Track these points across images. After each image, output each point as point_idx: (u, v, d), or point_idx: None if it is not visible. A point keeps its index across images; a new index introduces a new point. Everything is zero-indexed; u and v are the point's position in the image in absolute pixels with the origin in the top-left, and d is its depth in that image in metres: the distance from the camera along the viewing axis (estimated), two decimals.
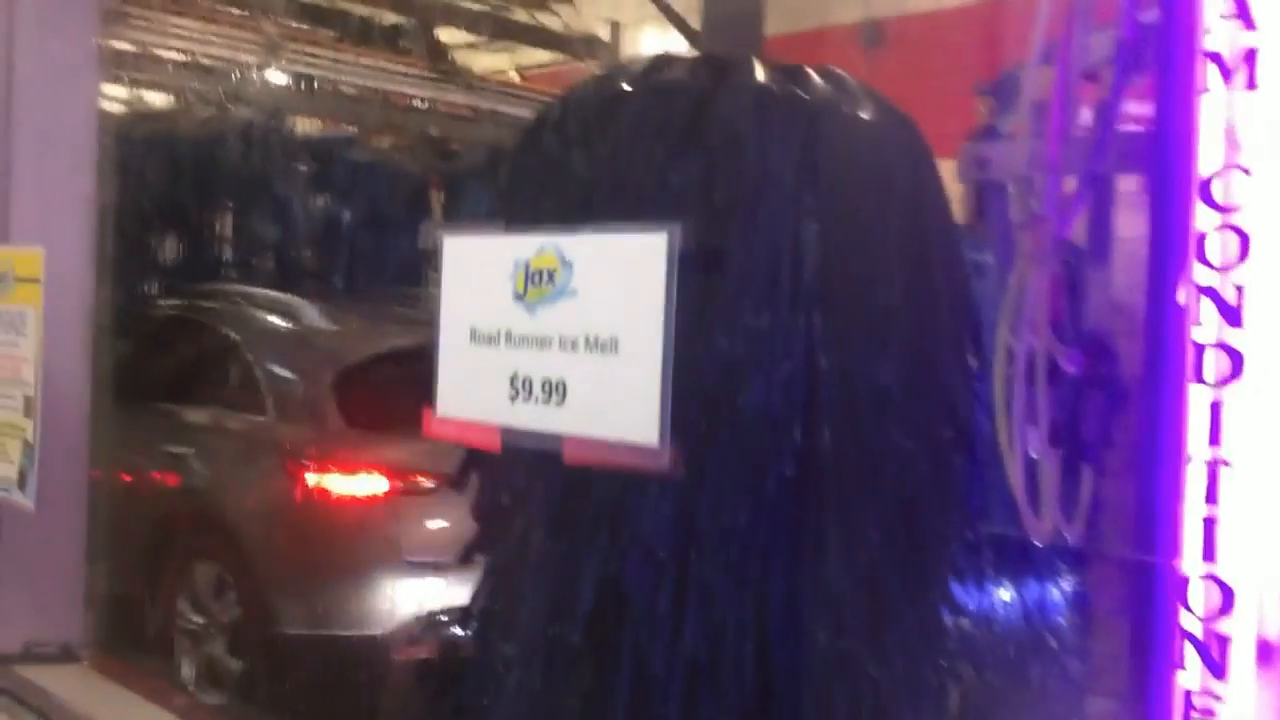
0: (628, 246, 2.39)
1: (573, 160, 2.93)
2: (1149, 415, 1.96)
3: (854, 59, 6.56)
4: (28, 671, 3.13)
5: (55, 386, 2.23)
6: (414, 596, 4.89)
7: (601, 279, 2.41)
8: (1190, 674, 1.95)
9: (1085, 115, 2.16)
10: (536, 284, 2.47)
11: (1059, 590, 3.70)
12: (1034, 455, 2.30)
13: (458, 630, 3.47)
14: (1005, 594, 3.57)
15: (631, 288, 2.34)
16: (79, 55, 2.38)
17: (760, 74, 2.93)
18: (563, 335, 2.45)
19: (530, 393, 2.48)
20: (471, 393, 2.64)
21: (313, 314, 5.75)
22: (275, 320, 5.79)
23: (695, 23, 3.34)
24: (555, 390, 2.45)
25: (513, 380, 2.52)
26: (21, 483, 2.76)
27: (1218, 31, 1.98)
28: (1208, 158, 1.91)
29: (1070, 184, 2.16)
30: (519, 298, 2.51)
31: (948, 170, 3.17)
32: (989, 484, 3.68)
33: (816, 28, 7.05)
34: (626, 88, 2.99)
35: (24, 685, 2.90)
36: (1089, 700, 2.57)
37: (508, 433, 2.57)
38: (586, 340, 2.40)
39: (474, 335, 2.65)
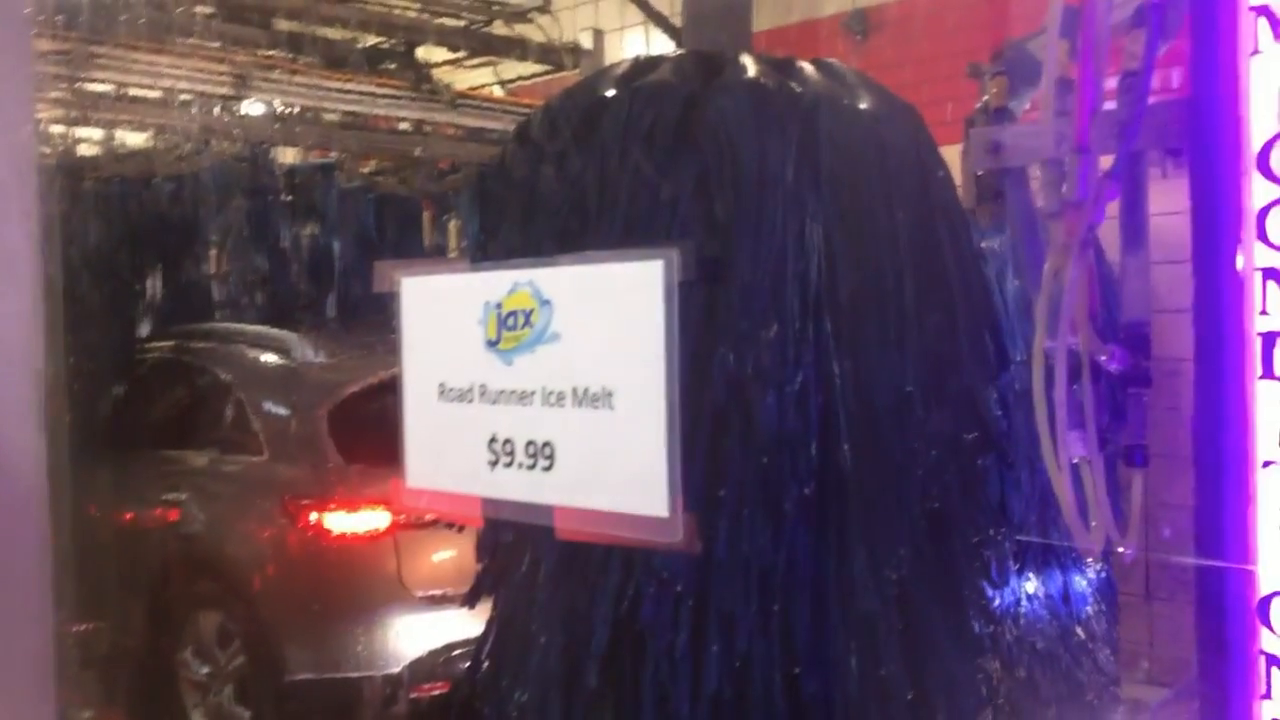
0: (616, 278, 2.04)
1: (555, 176, 2.75)
2: (1208, 414, 1.78)
3: (843, 50, 6.42)
4: None
5: (3, 462, 2.03)
6: (424, 631, 4.73)
7: (587, 319, 2.07)
8: (1276, 703, 1.75)
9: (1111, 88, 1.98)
10: (511, 328, 2.14)
11: (1107, 604, 3.54)
12: (1077, 461, 2.11)
13: (472, 664, 3.30)
14: (1045, 605, 3.41)
15: (624, 327, 2.00)
16: (12, 104, 2.19)
17: (751, 69, 2.76)
18: (546, 388, 2.12)
19: (513, 456, 2.15)
20: (445, 458, 2.30)
21: (304, 347, 5.58)
22: (266, 357, 5.63)
23: (680, 22, 3.17)
24: (541, 452, 2.12)
25: (491, 442, 2.19)
26: None
27: None
28: (1261, 125, 1.73)
29: (1102, 165, 1.99)
30: (492, 345, 2.17)
31: (948, 157, 3.01)
32: (1021, 487, 3.52)
33: (801, 21, 6.91)
34: (609, 93, 2.82)
35: None
36: None
37: (490, 504, 2.25)
38: (574, 393, 2.06)
39: (443, 391, 2.31)
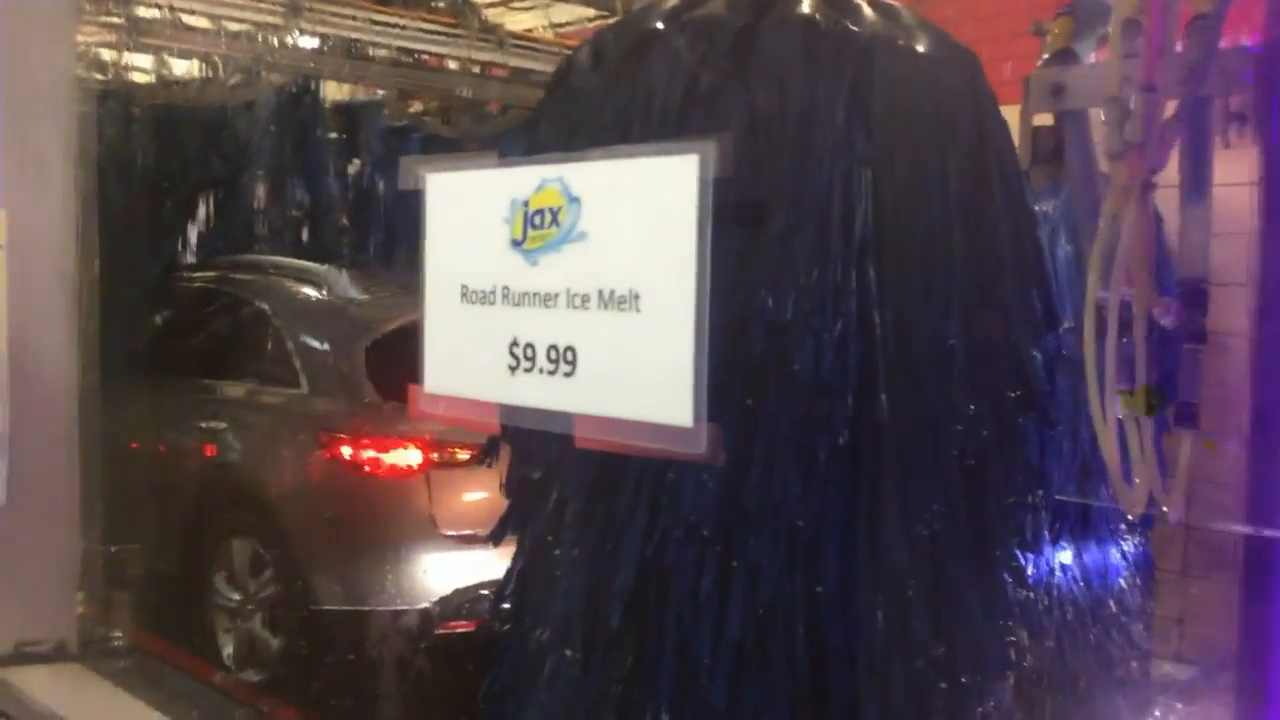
0: (648, 174, 1.89)
1: (603, 104, 2.70)
2: (1265, 374, 1.70)
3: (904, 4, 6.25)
4: (17, 674, 2.92)
5: (31, 365, 2.02)
6: (454, 569, 4.76)
7: (616, 218, 1.94)
8: None
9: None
10: (538, 227, 2.00)
11: (1142, 578, 3.46)
12: (1124, 416, 2.04)
13: (495, 601, 3.30)
14: (1079, 575, 3.35)
15: (654, 227, 1.87)
16: (54, 12, 2.17)
17: (806, 5, 2.68)
18: (571, 290, 2.01)
19: (534, 361, 2.03)
20: (464, 362, 2.19)
21: (345, 283, 5.59)
22: (307, 291, 5.65)
23: None
24: (563, 357, 2.00)
25: (512, 346, 2.07)
26: None
27: None
28: None
29: (1168, 109, 1.90)
30: (517, 245, 2.04)
31: (1007, 117, 2.91)
32: (1062, 447, 3.45)
33: None
34: (658, 25, 2.75)
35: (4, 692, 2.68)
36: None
37: (507, 411, 2.16)
38: (600, 295, 1.94)
39: (465, 293, 2.21)
